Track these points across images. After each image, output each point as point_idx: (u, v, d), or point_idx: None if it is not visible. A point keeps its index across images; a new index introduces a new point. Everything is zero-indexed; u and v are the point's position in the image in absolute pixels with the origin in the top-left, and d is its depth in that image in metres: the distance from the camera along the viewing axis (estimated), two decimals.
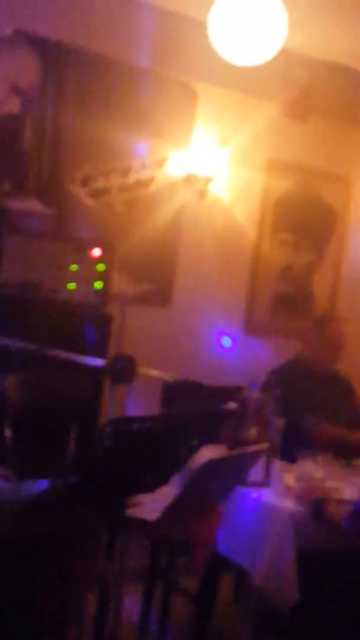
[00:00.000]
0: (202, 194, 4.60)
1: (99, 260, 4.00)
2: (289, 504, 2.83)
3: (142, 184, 4.44)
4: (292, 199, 4.96)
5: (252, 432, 3.03)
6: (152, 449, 2.01)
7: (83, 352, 2.59)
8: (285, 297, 5.06)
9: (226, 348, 4.82)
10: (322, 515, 2.75)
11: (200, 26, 3.06)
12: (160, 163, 4.47)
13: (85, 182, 4.25)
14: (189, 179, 4.56)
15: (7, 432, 2.94)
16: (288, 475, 3.04)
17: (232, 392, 3.23)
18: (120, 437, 1.91)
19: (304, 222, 5.03)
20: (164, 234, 4.55)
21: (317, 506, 2.76)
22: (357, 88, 5.00)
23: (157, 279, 4.59)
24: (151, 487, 2.11)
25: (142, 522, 2.16)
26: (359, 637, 2.65)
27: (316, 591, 2.68)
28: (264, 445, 2.86)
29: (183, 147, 4.52)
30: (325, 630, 2.70)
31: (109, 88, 4.25)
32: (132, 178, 4.39)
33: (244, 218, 4.80)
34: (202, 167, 4.55)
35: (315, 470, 3.08)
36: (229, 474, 2.46)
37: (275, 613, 2.80)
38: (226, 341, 4.81)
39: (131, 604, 3.16)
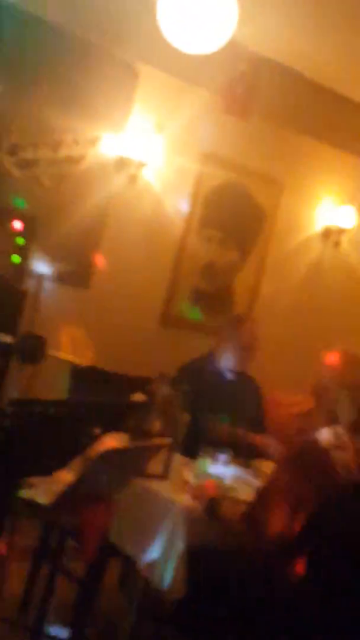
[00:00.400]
0: (133, 179, 4.55)
1: (19, 233, 3.90)
2: (184, 499, 2.83)
3: (73, 160, 4.34)
4: (223, 195, 4.96)
5: (157, 425, 3.02)
6: (53, 433, 1.97)
7: None
8: (206, 294, 5.06)
9: (141, 338, 4.79)
10: (215, 513, 2.76)
11: (149, 6, 2.99)
12: (93, 142, 4.39)
13: (12, 151, 4.12)
14: (121, 162, 4.50)
15: None
16: (187, 471, 3.05)
17: (141, 383, 3.21)
18: (20, 419, 1.86)
19: (232, 220, 5.03)
20: (90, 215, 4.47)
21: (211, 504, 2.77)
22: (301, 92, 5.03)
23: (78, 260, 4.51)
24: (48, 471, 2.08)
25: (35, 505, 2.13)
26: (237, 635, 2.67)
27: (202, 587, 2.68)
28: (166, 440, 2.85)
29: (118, 129, 4.45)
30: (206, 626, 2.71)
31: (46, 58, 4.12)
32: (62, 153, 4.29)
33: (173, 209, 4.77)
34: (136, 152, 4.50)
35: (214, 468, 3.10)
36: (128, 465, 2.44)
37: (159, 603, 2.82)
38: (142, 332, 4.79)
39: (17, 581, 3.14)
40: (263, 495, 2.70)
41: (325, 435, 2.59)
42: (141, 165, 4.54)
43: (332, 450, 2.55)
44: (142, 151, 4.51)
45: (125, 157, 4.50)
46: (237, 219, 5.06)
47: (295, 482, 2.56)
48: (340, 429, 2.62)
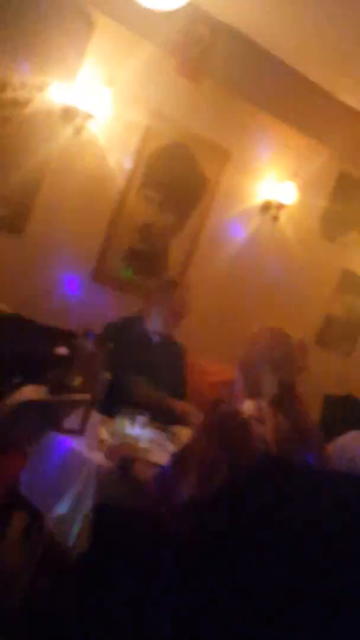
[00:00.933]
0: (78, 130, 4.46)
1: None
2: (98, 457, 2.82)
3: (18, 104, 4.23)
4: (167, 157, 4.90)
5: (77, 380, 3.00)
6: None
7: None
8: (140, 254, 5.02)
9: (71, 291, 4.73)
10: (128, 474, 2.76)
11: None
12: (41, 87, 4.29)
13: None
14: (68, 112, 4.41)
15: None
16: (103, 430, 3.03)
17: (65, 336, 3.18)
18: None
19: (174, 183, 4.98)
20: (31, 161, 4.37)
21: (124, 463, 2.77)
22: (257, 64, 4.99)
23: (13, 205, 4.41)
24: None
25: None
26: (136, 595, 2.70)
27: (106, 544, 2.69)
28: (85, 396, 2.83)
29: (68, 77, 4.35)
30: (107, 581, 2.73)
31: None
32: (8, 94, 4.17)
33: (116, 165, 4.70)
34: (83, 103, 4.40)
35: (131, 429, 3.10)
36: (45, 417, 2.42)
37: (62, 557, 2.81)
38: (72, 284, 4.73)
39: None
40: (177, 459, 2.70)
41: (247, 407, 2.60)
42: (88, 117, 4.45)
43: (252, 423, 2.56)
44: (90, 103, 4.42)
45: (73, 106, 4.40)
46: (179, 183, 5.01)
47: (211, 450, 2.55)
48: (263, 403, 2.63)
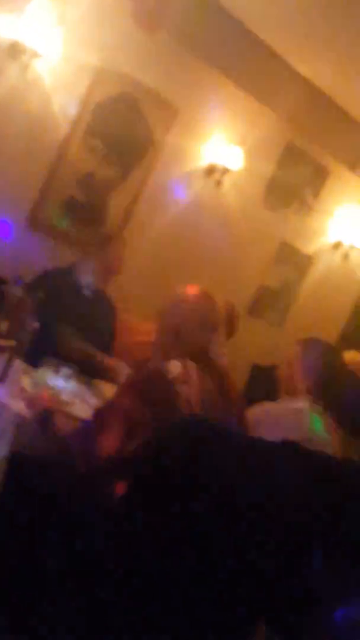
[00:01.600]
0: (24, 68, 4.28)
1: None
2: (18, 405, 2.77)
3: None
4: (114, 107, 4.76)
5: (3, 326, 2.93)
6: None
7: None
8: (79, 205, 4.89)
9: (4, 237, 4.59)
10: (47, 425, 2.72)
11: None
12: None
13: None
14: (14, 48, 4.21)
15: None
16: (26, 379, 3.00)
17: None
18: None
19: (118, 135, 4.85)
20: None
21: (44, 415, 2.73)
22: (215, 22, 4.87)
23: None
24: None
25: None
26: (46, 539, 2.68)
27: (19, 494, 2.65)
28: (10, 342, 2.76)
29: (16, 11, 4.15)
30: (19, 531, 2.69)
31: None
32: None
33: (60, 109, 4.53)
34: (31, 40, 4.22)
35: (54, 381, 3.05)
36: None
37: None
38: (5, 230, 4.58)
39: None
40: (100, 414, 2.66)
41: (173, 367, 2.58)
42: (35, 55, 4.27)
43: (177, 383, 2.54)
44: (38, 41, 4.23)
45: (19, 42, 4.22)
46: (125, 135, 4.87)
47: (135, 407, 2.53)
48: (190, 363, 2.61)
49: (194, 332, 2.73)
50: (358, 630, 2.19)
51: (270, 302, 6.05)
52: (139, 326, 4.51)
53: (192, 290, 2.84)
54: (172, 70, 4.90)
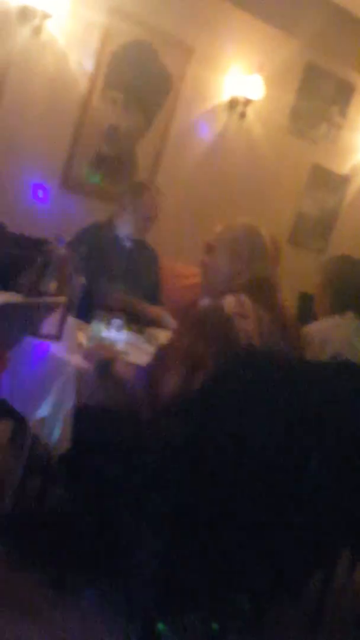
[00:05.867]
0: (37, 31, 4.31)
1: None
2: (76, 360, 2.85)
3: None
4: (129, 55, 4.77)
5: (52, 285, 3.00)
6: None
7: None
8: (108, 159, 4.94)
9: (40, 199, 4.67)
10: (107, 374, 2.80)
11: None
12: None
13: None
14: (24, 12, 4.25)
15: None
16: (80, 334, 3.06)
17: (36, 243, 3.17)
18: None
19: (137, 82, 4.86)
20: None
21: (103, 365, 2.80)
22: None
23: None
24: None
25: None
26: (118, 491, 2.78)
27: (88, 444, 2.74)
28: (61, 299, 2.84)
29: None
30: (89, 479, 2.80)
31: None
32: None
33: (77, 66, 4.57)
34: (41, 1, 4.24)
35: (107, 333, 3.13)
36: (21, 321, 2.43)
37: (46, 459, 2.91)
38: (40, 192, 4.66)
39: None
40: (161, 356, 2.71)
41: (228, 302, 2.59)
42: (46, 16, 4.30)
43: (234, 318, 2.55)
44: (47, 1, 4.25)
45: (29, 6, 4.24)
46: (143, 82, 4.89)
47: (195, 345, 2.55)
48: (244, 297, 2.61)
49: (248, 265, 2.72)
50: None
51: (310, 229, 6.03)
52: (183, 270, 4.56)
53: (240, 224, 2.83)
54: (181, 9, 4.87)
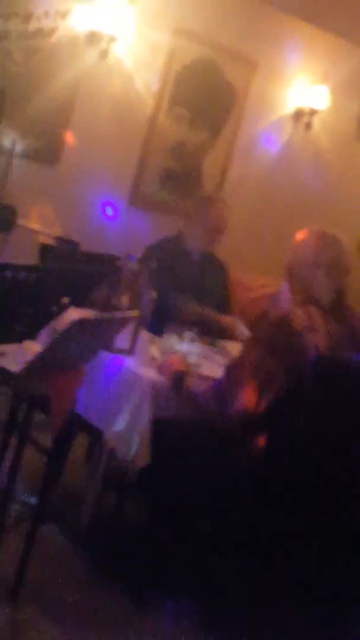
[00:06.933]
0: (104, 54, 4.43)
1: None
2: (150, 374, 2.89)
3: (43, 34, 4.22)
4: (194, 73, 4.85)
5: (124, 300, 3.05)
6: (24, 299, 1.98)
7: None
8: (175, 174, 5.01)
9: (109, 217, 4.76)
10: (181, 387, 2.82)
11: None
12: (64, 14, 4.26)
13: None
14: (92, 36, 4.38)
15: None
16: (153, 347, 3.09)
17: (108, 261, 3.22)
18: None
19: (202, 99, 4.94)
20: (60, 91, 4.38)
21: (177, 378, 2.83)
22: None
23: (47, 136, 4.45)
24: (18, 338, 2.11)
25: (5, 372, 2.16)
26: (197, 502, 2.79)
27: (165, 458, 2.77)
28: (133, 312, 2.88)
29: (90, 1, 4.30)
30: (167, 493, 2.82)
31: None
32: (33, 26, 4.16)
33: (143, 86, 4.68)
34: (107, 25, 4.36)
35: (180, 345, 3.15)
36: (96, 336, 2.48)
37: (123, 474, 2.91)
38: (110, 210, 4.75)
39: None
40: (232, 370, 2.71)
41: (297, 315, 2.57)
42: (112, 39, 4.42)
43: (304, 331, 2.53)
44: (114, 25, 4.38)
45: (96, 31, 4.37)
46: (208, 98, 4.96)
47: (265, 360, 2.55)
48: (313, 310, 2.59)
49: (322, 274, 2.69)
50: None
51: None
52: (252, 282, 4.57)
53: (313, 232, 2.79)
54: (244, 24, 4.93)
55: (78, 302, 2.51)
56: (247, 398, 2.58)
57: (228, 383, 2.69)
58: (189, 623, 2.75)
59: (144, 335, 3.10)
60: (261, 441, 2.62)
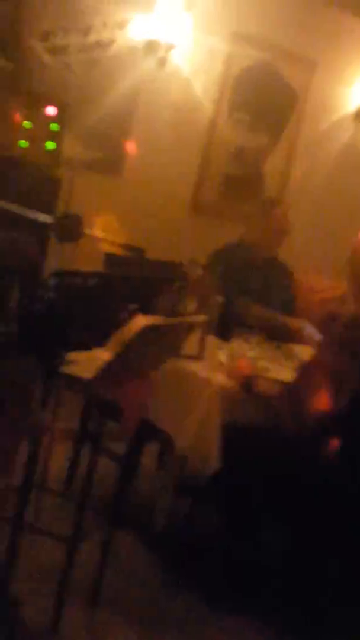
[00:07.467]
0: (162, 62, 4.47)
1: (54, 119, 3.87)
2: (219, 378, 2.89)
3: (102, 45, 4.27)
4: (253, 77, 4.84)
5: (191, 306, 3.06)
6: (93, 306, 2.01)
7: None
8: (236, 179, 5.01)
9: (172, 225, 4.79)
10: (251, 391, 2.81)
11: None
12: (121, 25, 4.30)
13: (44, 37, 4.07)
14: (150, 45, 4.41)
15: None
16: (221, 352, 3.09)
17: (173, 267, 3.24)
18: (63, 290, 1.90)
19: (262, 103, 4.93)
20: (120, 101, 4.43)
21: (247, 382, 2.82)
22: None
23: (110, 147, 4.51)
24: (88, 346, 2.13)
25: (77, 380, 2.18)
26: (271, 507, 2.77)
27: (237, 464, 2.76)
28: (201, 317, 2.89)
29: (146, 9, 4.34)
30: (240, 498, 2.81)
31: None
32: (92, 38, 4.22)
33: (202, 92, 4.70)
34: (164, 34, 4.39)
35: (248, 350, 3.15)
36: (164, 342, 2.49)
37: (195, 480, 2.90)
38: (173, 218, 4.79)
39: (59, 462, 3.29)
40: (306, 373, 2.71)
41: None
42: (170, 47, 4.45)
43: None
44: (171, 32, 4.41)
45: (154, 39, 4.41)
46: (267, 101, 4.95)
47: (339, 361, 2.55)
48: None
49: None
50: None
51: None
52: (317, 284, 4.53)
53: None
54: (302, 26, 4.90)
55: (145, 309, 2.52)
56: (323, 400, 2.56)
57: (303, 385, 2.68)
58: (265, 626, 2.76)
59: (211, 340, 3.11)
60: (335, 444, 2.60)
